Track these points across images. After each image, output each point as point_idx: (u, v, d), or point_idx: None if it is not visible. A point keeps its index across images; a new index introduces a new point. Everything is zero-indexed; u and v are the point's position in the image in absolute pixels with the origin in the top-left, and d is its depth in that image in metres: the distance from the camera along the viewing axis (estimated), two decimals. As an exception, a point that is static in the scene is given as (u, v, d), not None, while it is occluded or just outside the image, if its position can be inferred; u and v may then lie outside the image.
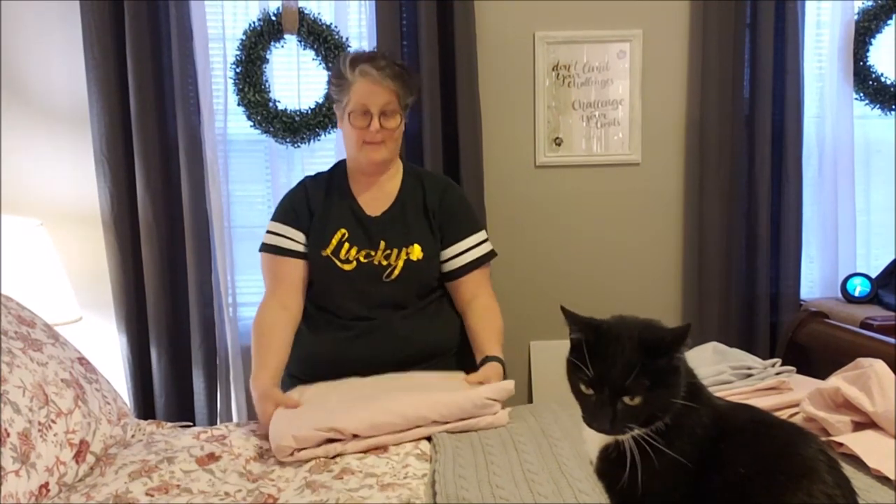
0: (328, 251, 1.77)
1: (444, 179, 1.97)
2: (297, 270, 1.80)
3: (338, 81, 1.75)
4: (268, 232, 1.84)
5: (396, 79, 1.73)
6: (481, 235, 1.88)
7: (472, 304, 1.81)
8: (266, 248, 1.83)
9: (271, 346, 1.71)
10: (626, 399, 0.81)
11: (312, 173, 1.95)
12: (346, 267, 1.76)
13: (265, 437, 1.53)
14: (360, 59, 1.73)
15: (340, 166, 1.91)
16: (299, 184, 1.92)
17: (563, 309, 0.88)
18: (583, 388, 0.85)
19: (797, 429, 0.90)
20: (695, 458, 0.83)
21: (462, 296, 1.83)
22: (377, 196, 1.84)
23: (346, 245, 1.77)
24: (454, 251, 1.82)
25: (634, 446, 0.83)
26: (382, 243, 1.77)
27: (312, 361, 1.76)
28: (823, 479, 0.81)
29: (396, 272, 1.76)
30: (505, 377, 1.66)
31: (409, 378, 1.66)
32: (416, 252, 1.77)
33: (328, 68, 2.34)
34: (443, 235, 1.83)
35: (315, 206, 1.82)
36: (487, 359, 1.69)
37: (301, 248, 1.81)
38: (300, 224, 1.81)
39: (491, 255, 1.87)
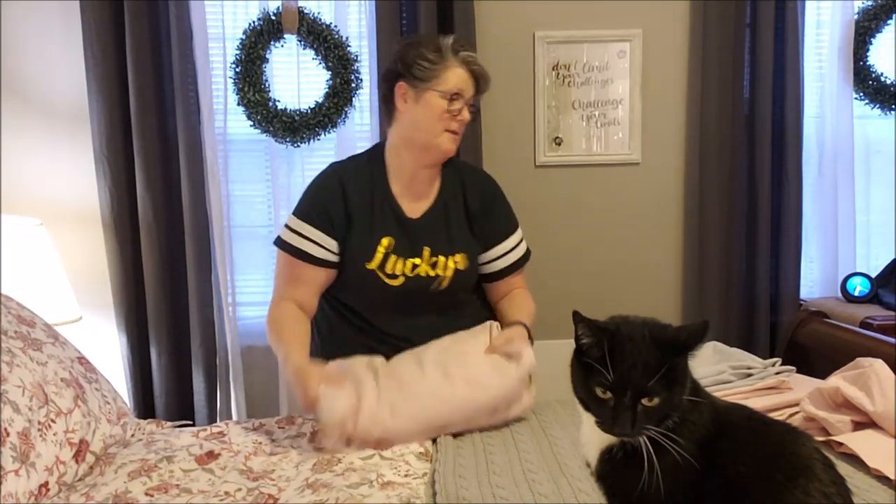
0: (373, 265, 1.64)
1: (482, 174, 1.90)
2: (320, 277, 1.68)
3: (434, 58, 1.63)
4: (292, 230, 1.67)
5: (482, 79, 1.70)
6: (518, 235, 1.83)
7: (507, 294, 1.80)
8: (290, 249, 1.66)
9: (295, 331, 1.61)
10: (646, 401, 0.81)
11: (342, 159, 1.81)
12: (393, 283, 1.65)
13: (266, 432, 1.53)
14: (461, 46, 1.68)
15: (378, 157, 1.74)
16: (333, 175, 1.72)
17: (575, 314, 0.86)
18: (599, 392, 0.83)
19: (792, 428, 0.90)
20: (697, 456, 0.83)
21: (498, 292, 1.81)
22: (418, 195, 1.72)
23: (393, 257, 1.65)
24: (494, 254, 1.78)
25: (650, 447, 0.81)
26: (426, 250, 1.67)
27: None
28: (819, 477, 0.81)
29: (445, 283, 1.68)
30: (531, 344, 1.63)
31: (442, 351, 1.58)
32: (462, 261, 1.70)
33: (328, 68, 2.34)
34: (483, 238, 1.77)
35: (354, 209, 1.67)
36: (512, 324, 1.66)
37: (332, 258, 1.67)
38: (335, 232, 1.66)
39: (528, 255, 1.84)
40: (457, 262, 1.69)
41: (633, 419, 0.81)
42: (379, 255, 1.65)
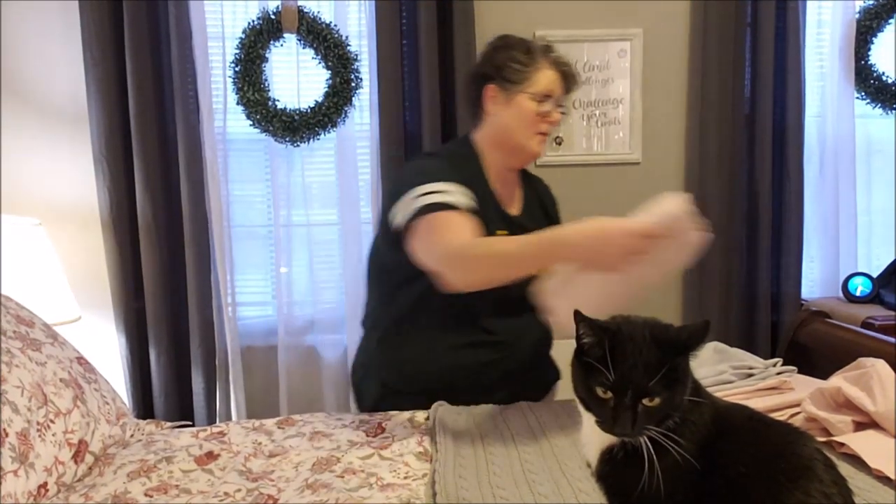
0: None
1: (543, 182, 1.86)
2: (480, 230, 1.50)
3: (525, 60, 1.61)
4: (437, 192, 1.47)
5: (571, 79, 1.67)
6: None
7: None
8: (446, 206, 1.45)
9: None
10: (646, 401, 0.80)
11: (432, 151, 1.74)
12: None
13: (266, 432, 1.52)
14: (551, 49, 1.66)
15: (467, 152, 1.66)
16: (443, 161, 1.61)
17: (577, 313, 0.85)
18: (600, 392, 0.83)
19: (793, 428, 0.90)
20: (697, 457, 0.83)
21: None
22: (509, 196, 1.68)
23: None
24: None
25: (651, 446, 0.81)
26: None
27: (439, 371, 1.60)
28: (821, 478, 0.81)
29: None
30: None
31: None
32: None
33: (328, 67, 2.33)
34: None
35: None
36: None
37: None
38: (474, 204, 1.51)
39: None
40: None
41: (633, 419, 0.80)
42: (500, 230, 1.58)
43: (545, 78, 1.62)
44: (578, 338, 0.86)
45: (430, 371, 1.62)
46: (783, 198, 2.51)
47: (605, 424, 0.84)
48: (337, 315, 2.50)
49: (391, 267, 1.63)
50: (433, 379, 1.61)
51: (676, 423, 0.83)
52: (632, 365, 0.80)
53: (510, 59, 1.62)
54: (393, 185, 1.64)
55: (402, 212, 1.51)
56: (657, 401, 0.80)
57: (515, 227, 1.61)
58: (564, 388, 1.67)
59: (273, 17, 2.30)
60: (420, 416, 1.55)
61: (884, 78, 2.52)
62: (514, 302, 1.57)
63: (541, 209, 1.76)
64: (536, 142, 1.64)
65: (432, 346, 1.61)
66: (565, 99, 1.68)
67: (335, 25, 2.34)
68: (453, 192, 1.48)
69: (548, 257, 1.35)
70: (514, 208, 1.69)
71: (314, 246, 2.48)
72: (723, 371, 1.64)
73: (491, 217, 1.57)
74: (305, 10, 2.32)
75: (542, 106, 1.61)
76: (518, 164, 1.70)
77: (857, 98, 2.53)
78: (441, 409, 1.53)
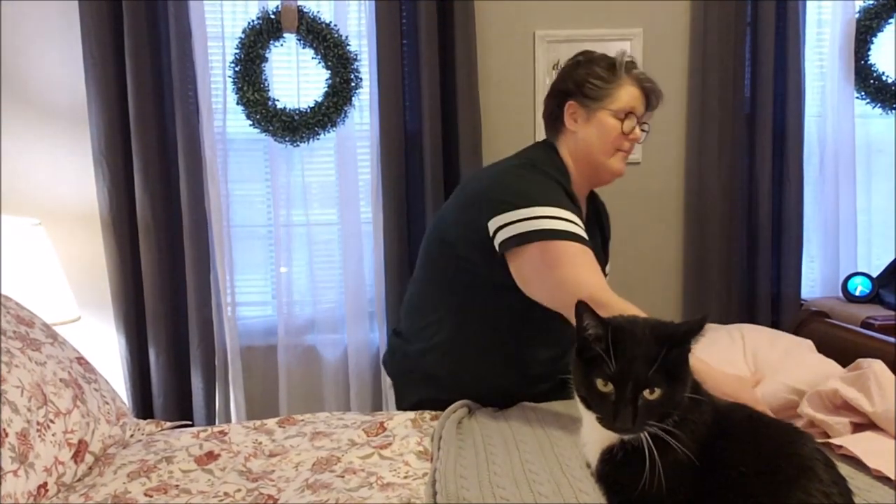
0: None
1: (601, 200, 1.83)
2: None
3: (607, 76, 1.59)
4: (557, 217, 1.45)
5: (654, 96, 1.64)
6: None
7: None
8: (568, 235, 1.44)
9: None
10: (647, 393, 0.81)
11: (524, 158, 1.64)
12: None
13: (266, 432, 1.52)
14: (634, 65, 1.63)
15: (561, 167, 1.62)
16: (542, 174, 1.56)
17: (580, 304, 0.86)
18: (600, 385, 0.83)
19: (793, 428, 0.90)
20: (698, 456, 0.83)
21: None
22: (583, 209, 1.67)
23: None
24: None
25: (651, 443, 0.81)
26: None
27: (521, 380, 1.59)
28: (820, 477, 0.81)
29: None
30: None
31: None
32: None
33: (328, 67, 2.33)
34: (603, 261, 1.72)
35: None
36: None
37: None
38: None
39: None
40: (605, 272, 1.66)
41: (634, 413, 0.81)
42: None
43: (627, 94, 1.59)
44: (582, 330, 0.87)
45: (499, 385, 1.59)
46: (783, 197, 2.50)
47: (605, 420, 0.84)
48: (337, 315, 2.49)
49: (482, 279, 1.56)
50: (497, 391, 1.59)
51: (676, 421, 0.83)
52: (632, 356, 0.81)
53: (592, 76, 1.60)
54: (486, 190, 1.56)
55: (511, 229, 1.46)
56: (657, 393, 0.81)
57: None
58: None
59: (273, 16, 2.30)
60: (426, 415, 1.55)
61: (884, 78, 2.52)
62: (563, 330, 1.53)
63: (597, 226, 1.74)
64: (617, 160, 1.62)
65: (512, 362, 1.59)
66: (648, 116, 1.66)
67: (335, 25, 2.33)
68: (574, 222, 1.46)
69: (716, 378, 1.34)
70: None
71: (314, 246, 2.47)
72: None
73: (588, 233, 1.53)
74: (305, 9, 2.32)
75: (625, 124, 1.59)
76: (599, 182, 1.68)
77: (857, 98, 2.52)
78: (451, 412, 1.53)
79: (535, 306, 1.50)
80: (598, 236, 1.73)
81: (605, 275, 1.72)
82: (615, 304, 1.32)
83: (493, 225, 1.50)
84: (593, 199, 1.78)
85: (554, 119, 1.66)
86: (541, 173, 1.57)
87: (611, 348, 0.82)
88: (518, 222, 1.46)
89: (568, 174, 1.62)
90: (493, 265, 1.52)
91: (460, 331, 1.61)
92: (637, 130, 1.61)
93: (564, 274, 1.42)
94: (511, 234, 1.47)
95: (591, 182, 1.68)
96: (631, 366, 0.81)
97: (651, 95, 1.63)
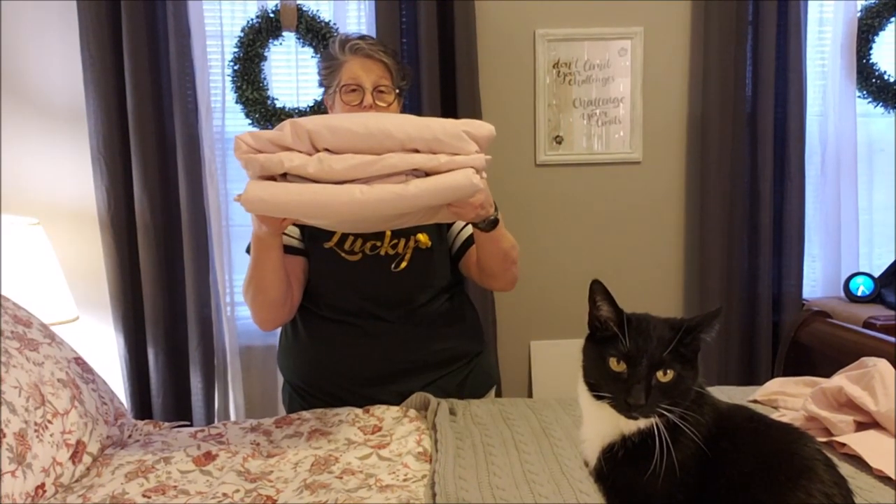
0: (331, 243, 1.65)
1: None
2: (297, 268, 1.68)
3: (328, 64, 1.66)
4: None
5: (389, 55, 1.65)
6: None
7: None
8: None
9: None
10: (660, 374, 0.81)
11: None
12: (352, 258, 1.64)
13: (264, 432, 1.52)
14: (350, 38, 1.66)
15: None
16: None
17: (595, 282, 0.86)
18: (613, 364, 0.83)
19: (793, 428, 0.90)
20: (699, 456, 0.83)
21: (474, 264, 1.72)
22: None
23: (351, 237, 1.64)
24: (457, 227, 1.73)
25: (664, 428, 0.81)
26: (388, 233, 1.65)
27: (316, 368, 1.68)
28: (822, 478, 0.81)
29: (405, 263, 1.64)
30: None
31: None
32: (424, 240, 1.66)
33: (327, 66, 2.33)
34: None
35: None
36: None
37: (298, 244, 1.69)
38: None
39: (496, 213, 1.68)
40: (418, 240, 1.66)
41: (647, 390, 0.81)
42: (337, 234, 1.64)
43: (347, 71, 1.62)
44: (595, 309, 0.87)
45: (308, 364, 1.72)
46: (784, 197, 2.50)
47: (617, 400, 0.83)
48: (336, 314, 2.49)
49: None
50: (313, 372, 1.71)
51: (682, 416, 0.83)
52: (646, 337, 0.83)
53: (321, 66, 1.68)
54: None
55: None
56: (670, 374, 0.81)
57: None
58: (560, 389, 1.66)
59: (272, 15, 2.30)
60: (412, 412, 1.55)
61: (885, 77, 2.51)
62: (385, 303, 1.67)
63: None
64: None
65: (313, 344, 1.70)
66: (393, 80, 1.65)
67: (335, 24, 2.33)
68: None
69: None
70: None
71: (313, 245, 2.47)
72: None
73: None
74: (304, 8, 2.31)
75: (351, 97, 1.62)
76: None
77: (859, 97, 2.52)
78: (440, 407, 1.53)
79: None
80: None
81: None
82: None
83: None
84: None
85: None
86: None
87: (625, 326, 0.83)
88: None
89: None
90: None
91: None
92: (367, 97, 1.61)
93: None
94: None
95: None
96: (646, 345, 0.82)
97: (393, 57, 1.65)
